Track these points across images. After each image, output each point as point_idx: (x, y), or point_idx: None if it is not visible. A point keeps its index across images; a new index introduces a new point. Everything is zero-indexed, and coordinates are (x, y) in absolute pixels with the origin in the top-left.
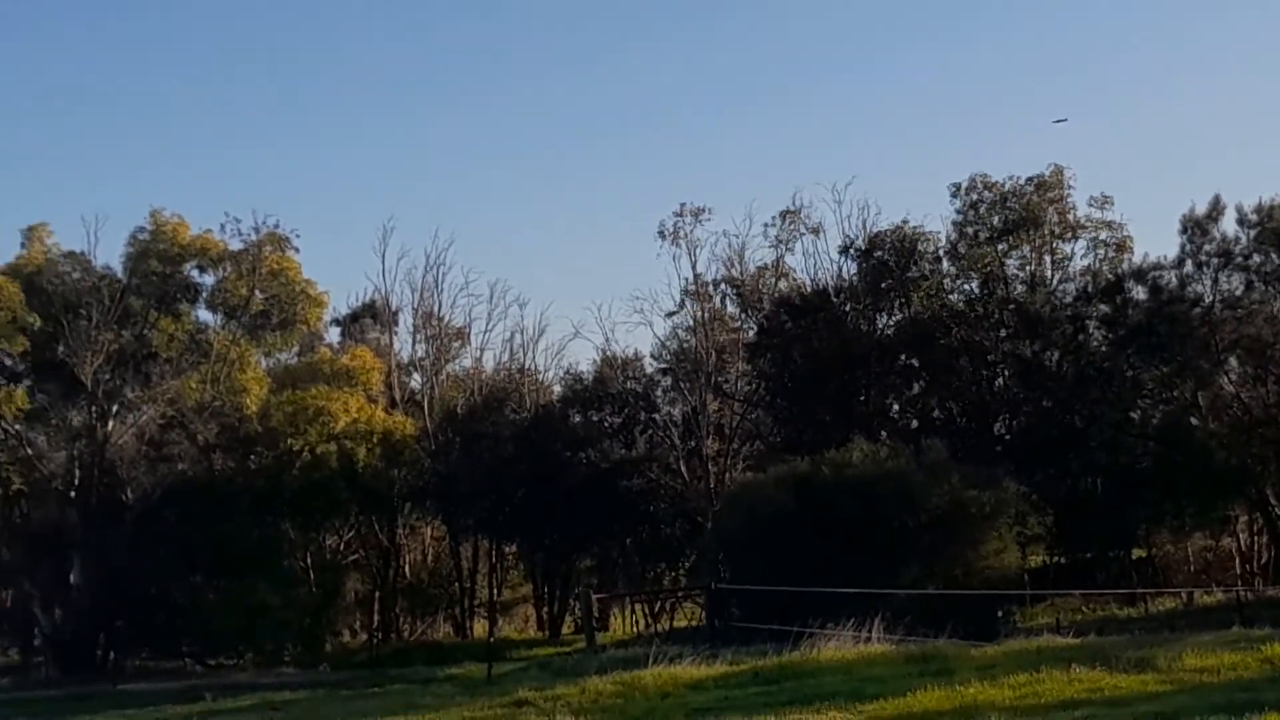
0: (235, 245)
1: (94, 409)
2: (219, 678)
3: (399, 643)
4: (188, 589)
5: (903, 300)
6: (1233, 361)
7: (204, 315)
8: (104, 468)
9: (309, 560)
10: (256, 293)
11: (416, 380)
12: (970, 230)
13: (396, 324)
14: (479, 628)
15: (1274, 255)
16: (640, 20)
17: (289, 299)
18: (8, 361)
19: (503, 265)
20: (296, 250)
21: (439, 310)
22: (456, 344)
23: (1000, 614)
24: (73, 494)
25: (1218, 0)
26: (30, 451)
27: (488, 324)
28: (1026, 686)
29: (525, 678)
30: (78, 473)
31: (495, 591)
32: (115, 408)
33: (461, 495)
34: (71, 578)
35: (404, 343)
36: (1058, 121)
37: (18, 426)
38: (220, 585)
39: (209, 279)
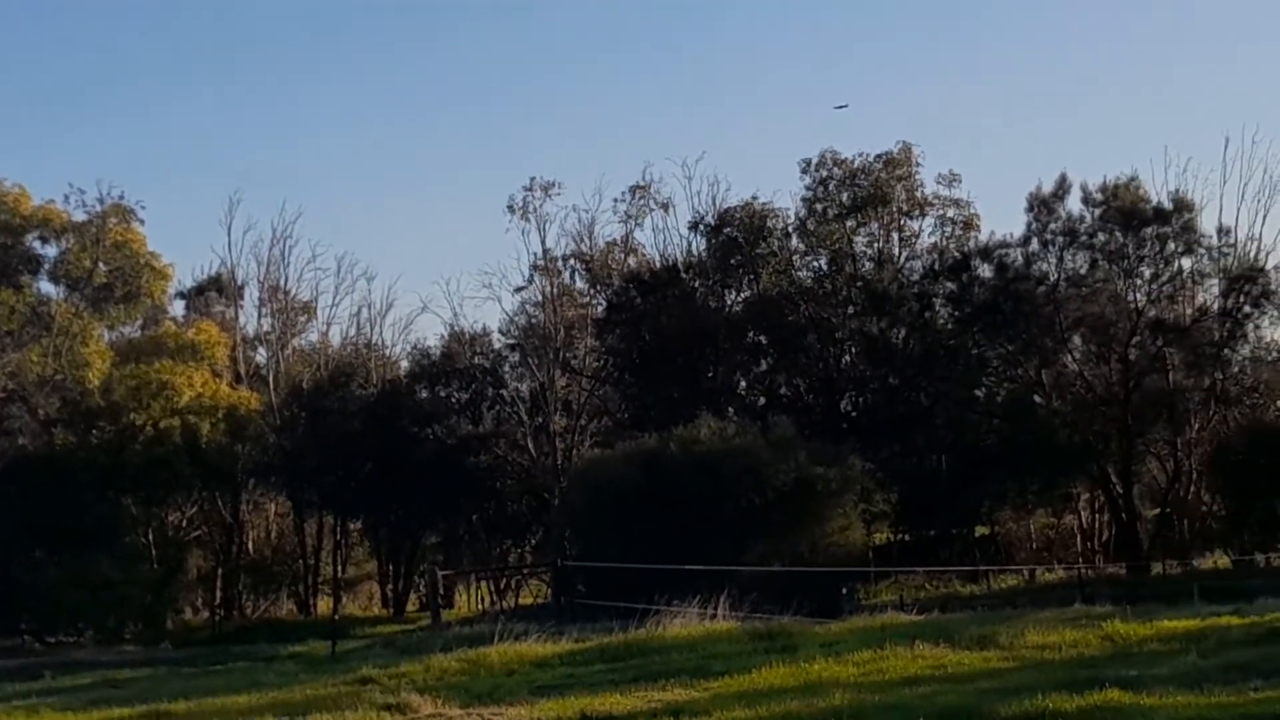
0: (79, 217)
1: None
2: (58, 655)
3: (242, 620)
4: (27, 565)
5: (752, 277)
6: (1076, 340)
7: (46, 287)
8: None
9: (151, 537)
10: (100, 265)
11: (262, 355)
12: (819, 207)
13: (242, 298)
14: (323, 605)
15: (1118, 234)
16: None
17: (133, 271)
18: None
19: (351, 239)
20: (141, 222)
21: (285, 284)
22: (303, 318)
23: (845, 591)
24: None
25: None
26: None
27: (335, 298)
28: (871, 663)
29: (370, 655)
30: None
31: (340, 569)
32: None
33: (307, 471)
34: None
35: (250, 317)
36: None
37: None
38: (61, 561)
39: (51, 250)
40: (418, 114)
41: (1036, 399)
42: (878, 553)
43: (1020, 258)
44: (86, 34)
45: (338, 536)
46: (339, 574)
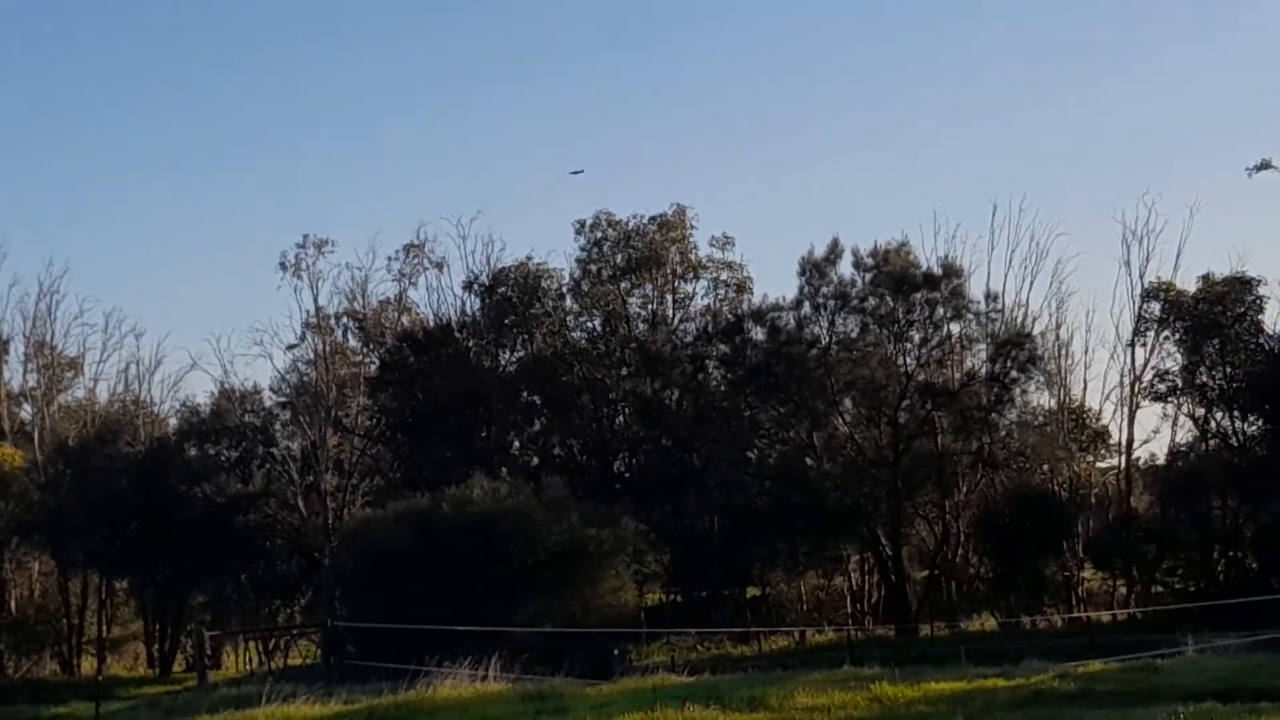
0: None
1: None
2: None
3: (3, 680)
4: None
5: (526, 337)
6: (848, 403)
7: None
8: None
9: None
10: None
11: (27, 411)
12: (594, 268)
13: (7, 353)
14: (87, 665)
15: (889, 299)
16: (266, 50)
17: None
18: None
19: (120, 295)
20: None
21: (52, 339)
22: (70, 374)
23: (616, 652)
24: None
25: (835, 42)
26: None
27: (103, 354)
28: None
29: (135, 718)
30: None
31: (104, 628)
32: None
33: (72, 529)
34: None
35: (14, 372)
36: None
37: None
38: None
39: None
40: (188, 169)
41: (808, 461)
42: (650, 613)
43: (793, 321)
44: None
45: (103, 595)
46: (104, 634)
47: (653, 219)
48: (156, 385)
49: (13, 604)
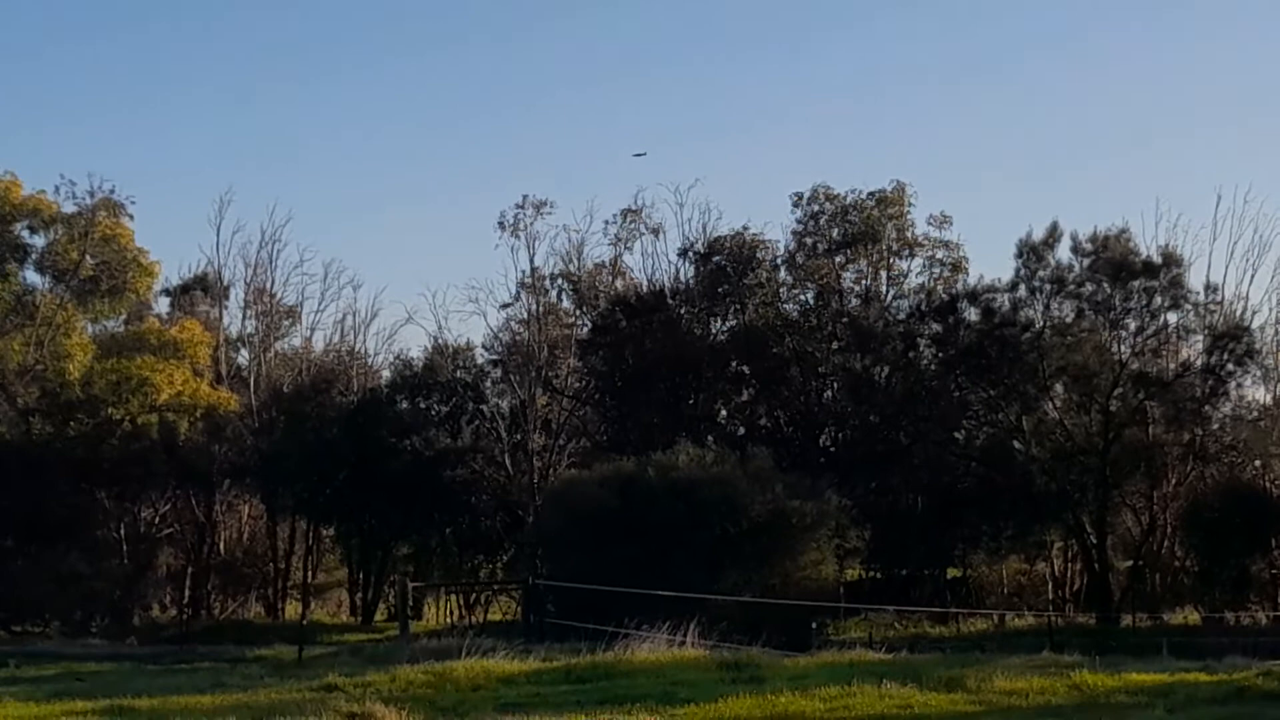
0: (68, 208)
1: None
2: (23, 645)
3: (209, 620)
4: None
5: (738, 306)
6: (1058, 388)
7: (32, 277)
8: None
9: (123, 532)
10: (87, 257)
11: (244, 356)
12: (809, 241)
13: (228, 298)
14: (291, 609)
15: (1105, 285)
16: (491, 10)
17: (120, 266)
18: None
19: (339, 246)
20: (131, 217)
21: (271, 287)
22: (287, 322)
23: (814, 625)
24: None
25: (1064, 28)
26: None
27: (320, 304)
28: (838, 699)
29: (336, 663)
30: None
31: (310, 574)
32: None
33: (282, 475)
34: None
35: (234, 317)
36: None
37: None
38: (31, 551)
39: (39, 240)
40: (413, 125)
41: (1015, 445)
42: (849, 589)
43: (1007, 303)
44: (87, 28)
45: (309, 542)
46: (309, 579)
47: (871, 194)
48: (371, 337)
49: (222, 545)
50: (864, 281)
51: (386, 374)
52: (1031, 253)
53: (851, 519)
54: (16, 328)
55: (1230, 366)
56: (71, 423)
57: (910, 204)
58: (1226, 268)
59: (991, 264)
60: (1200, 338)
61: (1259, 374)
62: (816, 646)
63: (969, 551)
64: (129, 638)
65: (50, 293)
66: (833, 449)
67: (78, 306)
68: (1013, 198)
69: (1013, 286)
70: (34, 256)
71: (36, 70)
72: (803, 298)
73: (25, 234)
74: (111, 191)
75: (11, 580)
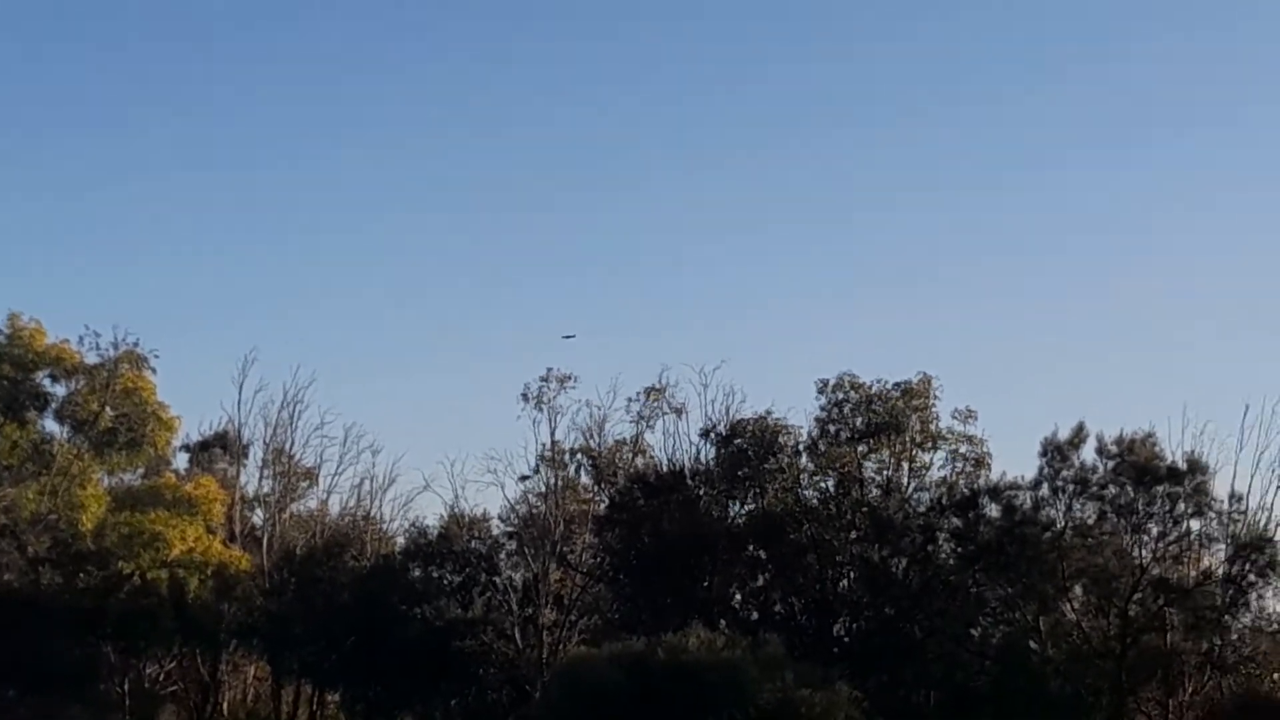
0: (91, 359)
1: None
2: None
3: None
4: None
5: (758, 490)
6: (1078, 589)
7: (50, 425)
8: None
9: (126, 687)
10: (107, 409)
11: (259, 516)
12: (832, 428)
13: (246, 457)
14: None
15: (1129, 488)
16: (519, 185)
17: (140, 419)
18: None
19: (360, 409)
20: (154, 371)
21: (291, 448)
22: (304, 484)
23: None
24: None
25: (1097, 222)
26: None
27: (338, 467)
28: None
29: None
30: None
31: None
32: None
33: (290, 637)
34: None
35: (251, 476)
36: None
37: None
38: (32, 704)
39: (60, 389)
40: (441, 296)
41: (1032, 644)
42: None
43: (1029, 501)
44: (119, 186)
45: (314, 707)
46: None
47: (896, 385)
48: (388, 503)
49: (225, 706)
50: (885, 472)
51: (401, 540)
52: (1056, 452)
53: (862, 711)
54: (32, 475)
55: (1252, 577)
56: (81, 574)
57: (935, 397)
58: (1252, 478)
59: (1015, 461)
60: (1223, 546)
61: None
62: None
63: None
64: None
65: (68, 442)
66: (846, 639)
67: (95, 457)
68: (1039, 395)
69: (1035, 485)
70: (54, 405)
71: (67, 219)
72: (823, 485)
73: (46, 382)
74: (136, 344)
75: None
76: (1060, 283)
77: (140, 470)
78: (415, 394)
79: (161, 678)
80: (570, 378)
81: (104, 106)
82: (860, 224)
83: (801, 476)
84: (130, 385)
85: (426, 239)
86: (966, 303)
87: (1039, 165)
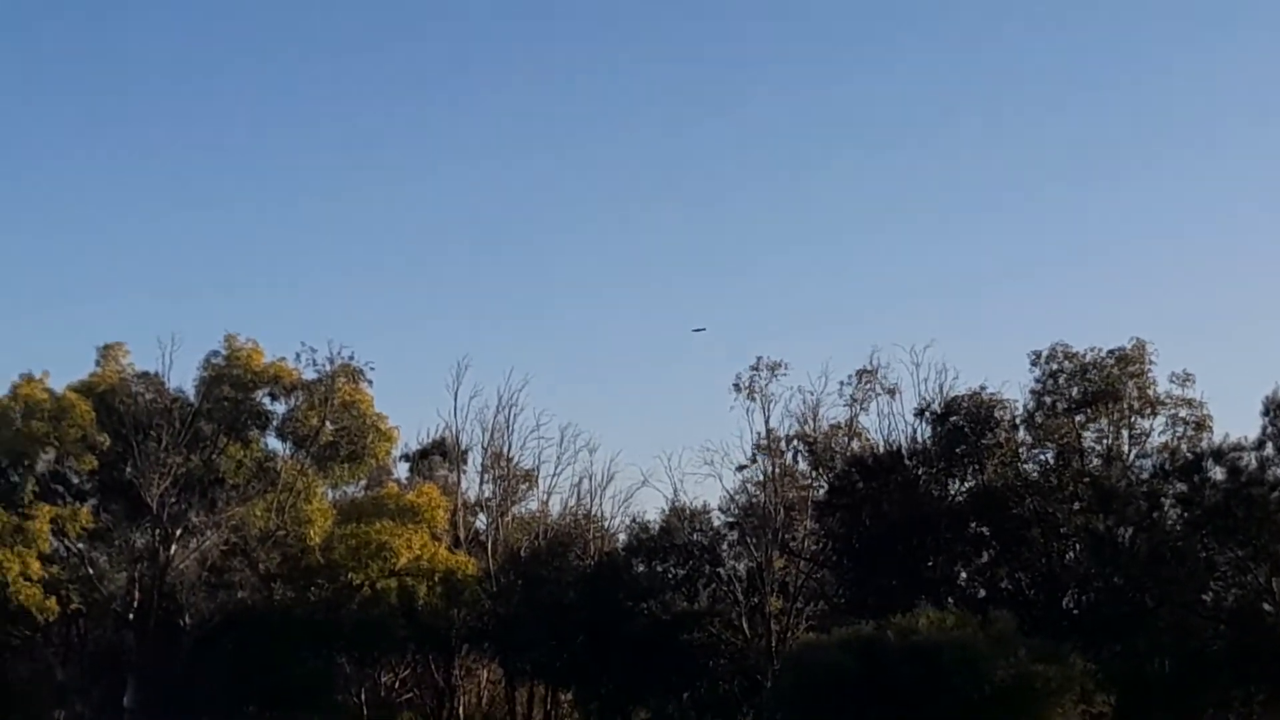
0: (309, 375)
1: (157, 532)
2: None
3: None
4: (241, 719)
5: (976, 467)
6: None
7: (273, 443)
8: (164, 591)
9: (363, 697)
10: (327, 424)
11: (482, 520)
12: (1048, 400)
13: (465, 463)
14: None
15: None
16: (719, 169)
17: (359, 432)
18: (75, 479)
19: (575, 409)
20: (370, 383)
21: (508, 451)
22: (524, 486)
23: None
24: (131, 616)
25: None
26: (91, 571)
27: (556, 468)
28: None
29: None
30: (137, 595)
31: None
32: (179, 531)
33: (520, 639)
34: (125, 700)
35: (471, 482)
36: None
37: (80, 545)
38: (273, 717)
39: (280, 407)
40: (648, 290)
41: (1265, 606)
42: None
43: (1254, 462)
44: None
45: (548, 706)
46: None
47: (1110, 352)
48: (608, 500)
49: (461, 710)
50: (1105, 440)
51: (622, 537)
52: (1278, 410)
53: (1097, 683)
54: (258, 493)
55: None
56: (312, 588)
57: (1151, 362)
58: None
59: (1237, 422)
60: None
61: None
62: None
63: (1220, 716)
64: None
65: (291, 459)
66: (1076, 611)
67: (318, 472)
68: (1259, 353)
69: (1260, 445)
70: (275, 423)
71: (276, 238)
72: (1042, 457)
73: (266, 401)
74: (351, 358)
75: None
76: (1273, 237)
77: (363, 482)
78: (629, 391)
79: (397, 685)
80: (781, 365)
81: (312, 121)
82: (1063, 196)
83: (1020, 450)
84: (348, 399)
85: (631, 235)
86: (1179, 267)
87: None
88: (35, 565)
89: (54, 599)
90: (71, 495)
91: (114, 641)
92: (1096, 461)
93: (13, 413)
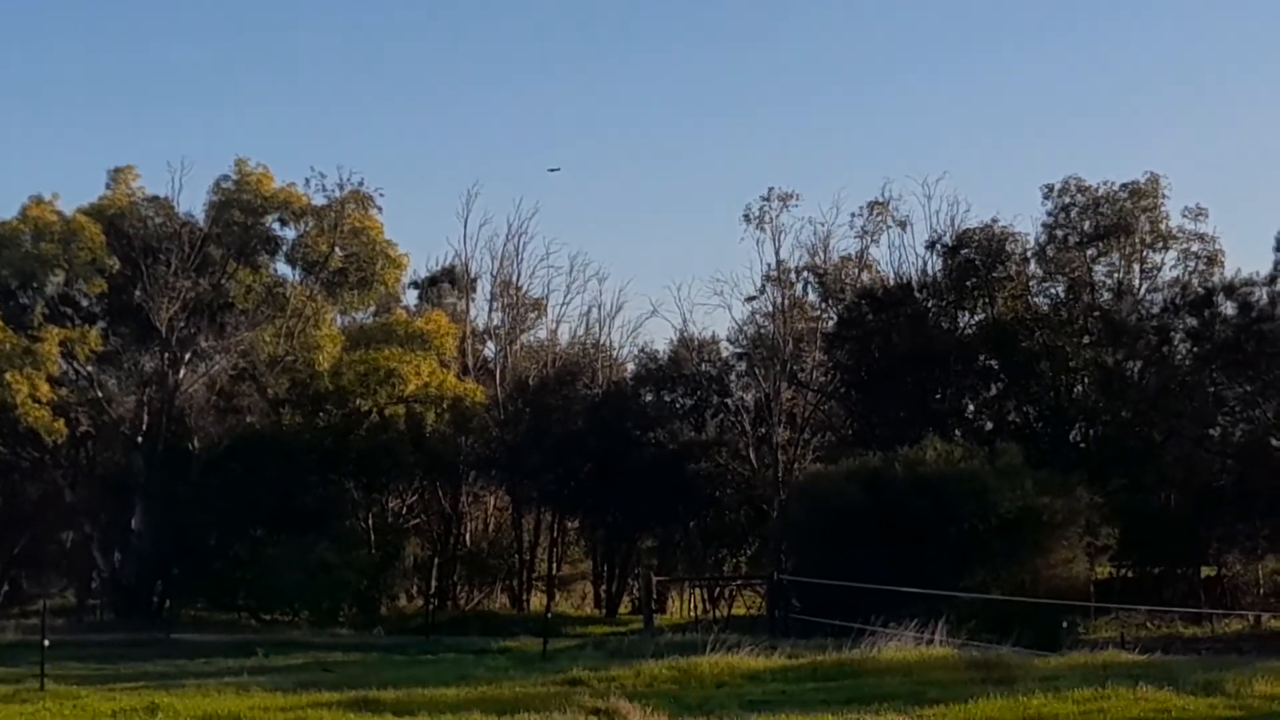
0: (319, 200)
1: (166, 356)
2: (272, 633)
3: (455, 611)
4: (248, 542)
5: (986, 300)
6: None
7: (282, 268)
8: (173, 415)
9: (370, 522)
10: (337, 250)
11: (490, 348)
12: (1060, 234)
13: (474, 291)
14: (536, 601)
15: None
16: (736, 10)
17: (369, 258)
18: (84, 302)
19: (584, 238)
20: (379, 210)
21: (517, 279)
22: (533, 314)
23: (1065, 625)
24: (140, 440)
25: None
26: (100, 394)
27: (565, 296)
28: (1092, 702)
29: (580, 656)
30: (146, 418)
31: (554, 566)
32: (188, 356)
33: (528, 467)
34: (133, 523)
35: (480, 310)
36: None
37: (89, 368)
38: (281, 541)
39: (290, 232)
40: (657, 120)
41: (1273, 441)
42: (1099, 588)
43: (1265, 297)
44: (340, 26)
45: (554, 534)
46: (554, 571)
47: (1123, 186)
48: (616, 330)
49: (468, 537)
50: (1116, 275)
51: (631, 367)
52: None
53: (1103, 516)
54: (267, 319)
55: None
56: (320, 413)
57: (1164, 196)
58: None
59: (1249, 257)
60: None
61: None
62: (1067, 646)
63: (1224, 550)
64: (375, 627)
65: (300, 284)
66: (1083, 445)
67: (327, 298)
68: (1273, 189)
69: (1271, 280)
70: (284, 249)
71: (286, 62)
72: (1053, 291)
73: (276, 226)
74: (361, 184)
75: (262, 569)
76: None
77: (372, 309)
78: (638, 221)
79: (404, 511)
80: (792, 196)
81: None
82: (1079, 32)
83: (1031, 284)
84: (357, 225)
85: (639, 67)
86: (1193, 100)
87: None
88: (44, 387)
89: (62, 421)
90: (80, 318)
91: (122, 464)
92: (1107, 295)
93: (22, 235)
